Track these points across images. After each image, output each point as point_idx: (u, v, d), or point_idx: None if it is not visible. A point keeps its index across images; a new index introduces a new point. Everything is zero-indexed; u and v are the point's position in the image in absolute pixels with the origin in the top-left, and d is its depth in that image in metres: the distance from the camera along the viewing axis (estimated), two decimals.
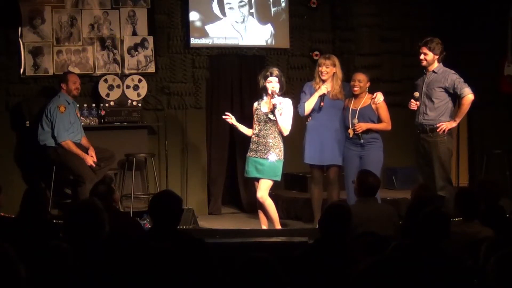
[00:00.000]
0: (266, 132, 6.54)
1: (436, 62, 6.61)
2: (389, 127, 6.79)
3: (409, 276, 2.78)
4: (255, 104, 6.71)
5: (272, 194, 8.06)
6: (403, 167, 8.44)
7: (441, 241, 3.75)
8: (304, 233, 6.18)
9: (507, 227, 4.50)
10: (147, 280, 3.15)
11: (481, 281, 3.13)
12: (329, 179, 6.86)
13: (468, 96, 6.45)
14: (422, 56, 6.61)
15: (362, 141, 6.63)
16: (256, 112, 6.64)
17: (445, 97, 6.56)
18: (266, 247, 5.52)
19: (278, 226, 6.58)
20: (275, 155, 6.50)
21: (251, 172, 6.58)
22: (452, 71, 6.59)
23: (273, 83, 6.52)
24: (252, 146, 6.60)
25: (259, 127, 6.57)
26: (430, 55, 6.59)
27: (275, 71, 6.59)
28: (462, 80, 6.51)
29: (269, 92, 6.52)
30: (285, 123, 6.52)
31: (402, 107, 7.28)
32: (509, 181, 7.91)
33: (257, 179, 6.55)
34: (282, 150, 6.56)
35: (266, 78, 6.54)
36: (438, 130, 6.50)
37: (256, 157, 6.53)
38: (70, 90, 7.27)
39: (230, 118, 6.71)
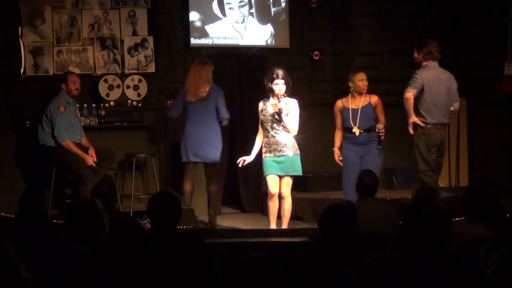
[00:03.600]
0: (276, 132, 6.56)
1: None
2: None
3: (409, 276, 2.78)
4: (261, 105, 6.68)
5: None
6: (403, 167, 8.43)
7: (441, 241, 3.75)
8: (304, 233, 6.18)
9: (507, 227, 4.50)
10: (147, 280, 3.15)
11: (481, 281, 3.13)
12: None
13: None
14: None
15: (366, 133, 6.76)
16: (262, 113, 6.64)
17: None
18: (266, 247, 5.52)
19: (286, 224, 6.62)
20: (291, 151, 6.53)
21: (270, 170, 6.55)
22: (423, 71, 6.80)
23: (279, 85, 6.54)
24: (265, 148, 6.61)
25: (268, 129, 6.58)
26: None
27: (281, 73, 6.59)
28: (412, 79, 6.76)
29: (276, 93, 6.53)
30: (293, 123, 6.56)
31: (402, 107, 7.28)
32: (509, 181, 7.90)
33: (275, 175, 6.57)
34: (296, 144, 6.60)
35: (272, 80, 6.54)
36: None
37: (272, 156, 6.55)
38: (70, 90, 7.27)
39: (244, 161, 6.75)
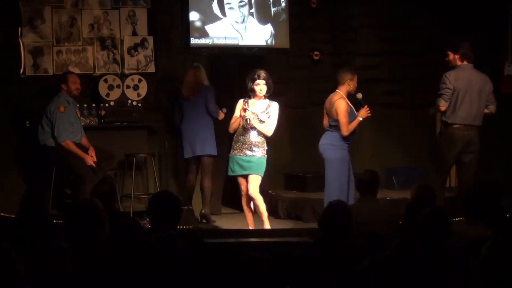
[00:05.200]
0: (251, 132, 6.59)
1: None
2: None
3: (409, 276, 2.78)
4: (242, 102, 6.69)
5: (272, 194, 8.08)
6: (403, 167, 8.43)
7: (441, 241, 3.75)
8: (304, 233, 6.18)
9: (507, 227, 4.50)
10: (147, 280, 3.15)
11: (480, 280, 3.13)
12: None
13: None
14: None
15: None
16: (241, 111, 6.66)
17: None
18: (266, 247, 5.52)
19: (267, 222, 6.62)
20: (259, 153, 6.55)
21: (237, 170, 6.63)
22: (454, 73, 6.83)
23: (260, 86, 6.62)
24: (236, 145, 6.65)
25: (244, 127, 6.59)
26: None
27: (263, 73, 6.68)
28: (444, 88, 6.80)
29: (257, 94, 6.61)
30: (270, 126, 6.62)
31: (402, 107, 7.30)
32: (509, 181, 7.90)
33: (243, 176, 6.62)
34: (266, 148, 6.63)
35: (254, 80, 6.63)
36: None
37: (241, 155, 6.58)
38: (70, 90, 7.26)
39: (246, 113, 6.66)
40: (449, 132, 6.86)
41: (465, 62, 6.88)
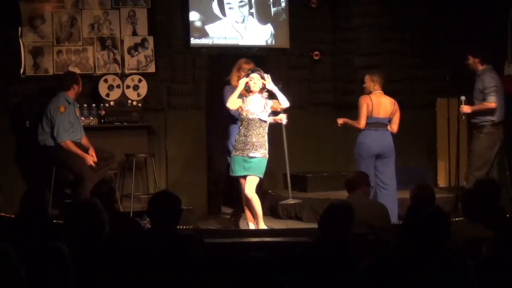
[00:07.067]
0: (252, 131, 6.57)
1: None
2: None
3: (410, 276, 2.78)
4: (240, 102, 6.68)
5: (272, 194, 8.07)
6: (403, 167, 8.42)
7: (441, 241, 3.75)
8: (304, 233, 6.18)
9: (507, 227, 4.50)
10: (147, 281, 3.15)
11: (480, 281, 3.13)
12: None
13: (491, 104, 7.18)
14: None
15: None
16: (243, 110, 6.63)
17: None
18: (266, 247, 5.52)
19: (262, 222, 6.62)
20: (260, 153, 6.54)
21: (239, 170, 6.61)
22: (488, 73, 7.24)
23: (254, 79, 6.58)
24: (239, 145, 6.62)
25: (245, 127, 6.58)
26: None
27: (256, 69, 6.68)
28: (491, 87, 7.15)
29: (251, 89, 6.57)
30: (283, 99, 6.63)
31: (403, 108, 7.30)
32: (509, 181, 7.90)
33: (244, 177, 6.61)
34: (267, 148, 6.61)
35: (247, 76, 6.61)
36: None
37: (244, 156, 6.57)
38: (80, 92, 7.32)
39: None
40: (492, 131, 7.26)
41: (485, 66, 7.26)
